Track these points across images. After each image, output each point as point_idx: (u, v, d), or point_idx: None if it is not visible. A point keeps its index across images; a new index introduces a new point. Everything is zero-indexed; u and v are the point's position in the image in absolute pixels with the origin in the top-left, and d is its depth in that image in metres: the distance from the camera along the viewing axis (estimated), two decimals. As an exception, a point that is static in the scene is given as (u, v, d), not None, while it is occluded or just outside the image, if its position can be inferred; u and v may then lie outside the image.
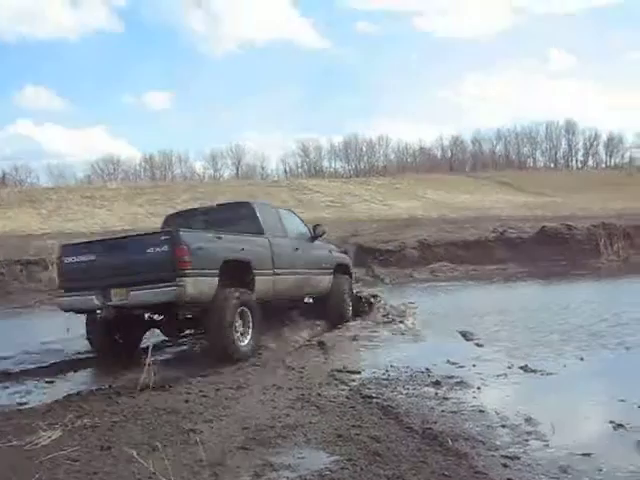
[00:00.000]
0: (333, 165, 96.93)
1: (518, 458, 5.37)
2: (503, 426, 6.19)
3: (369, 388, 7.63)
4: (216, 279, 9.27)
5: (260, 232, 10.83)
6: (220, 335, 9.25)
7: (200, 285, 9.05)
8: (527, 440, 5.81)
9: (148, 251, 8.96)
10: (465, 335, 11.17)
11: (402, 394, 7.39)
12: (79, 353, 10.53)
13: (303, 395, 7.31)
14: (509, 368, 8.53)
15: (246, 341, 9.65)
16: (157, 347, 10.73)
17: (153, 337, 11.18)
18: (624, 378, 8.11)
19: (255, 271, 10.16)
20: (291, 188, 51.78)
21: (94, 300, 9.31)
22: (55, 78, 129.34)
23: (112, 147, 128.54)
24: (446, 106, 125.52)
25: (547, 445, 5.69)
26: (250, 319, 9.77)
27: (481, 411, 6.66)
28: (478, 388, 7.62)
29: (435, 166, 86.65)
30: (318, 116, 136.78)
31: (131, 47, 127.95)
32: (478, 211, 40.31)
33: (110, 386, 7.86)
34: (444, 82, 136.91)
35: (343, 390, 7.58)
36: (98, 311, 9.46)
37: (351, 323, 12.71)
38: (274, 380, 8.14)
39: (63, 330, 12.59)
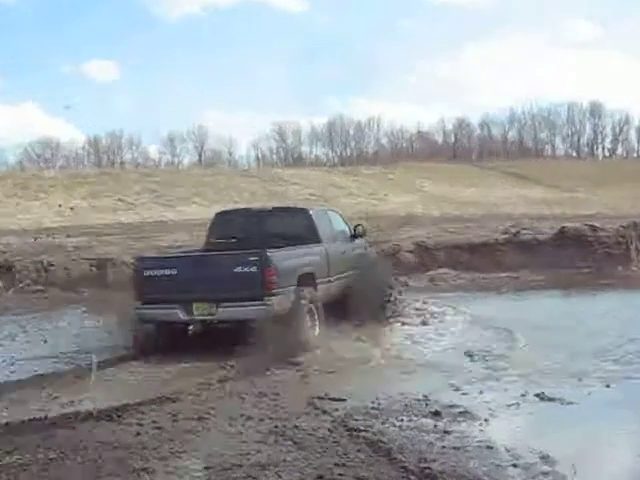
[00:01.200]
0: (314, 152, 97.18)
1: (532, 504, 5.40)
2: (514, 465, 6.21)
3: (356, 419, 7.64)
4: (293, 294, 11.68)
5: (317, 241, 13.28)
6: (297, 330, 11.43)
7: (283, 302, 11.43)
8: (543, 482, 5.85)
9: (236, 270, 11.26)
10: (471, 356, 11.20)
11: (395, 426, 7.40)
12: (7, 376, 10.45)
13: (277, 427, 7.30)
14: (522, 396, 8.56)
15: (316, 332, 12.05)
16: (105, 364, 10.73)
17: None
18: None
19: (317, 280, 12.59)
20: (263, 179, 51.73)
21: (178, 313, 11.52)
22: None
23: (50, 127, 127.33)
24: (448, 82, 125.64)
25: (567, 488, 5.72)
26: (316, 314, 12.18)
27: (489, 447, 6.69)
28: (485, 420, 7.64)
29: (436, 153, 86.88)
30: (297, 93, 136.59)
31: (69, 9, 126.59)
32: (486, 208, 40.48)
33: (46, 416, 7.81)
34: (445, 54, 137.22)
35: (325, 421, 7.58)
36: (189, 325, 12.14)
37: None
38: (242, 409, 8.13)
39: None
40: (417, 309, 15.82)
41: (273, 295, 11.22)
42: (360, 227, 15.22)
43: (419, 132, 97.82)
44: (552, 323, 14.57)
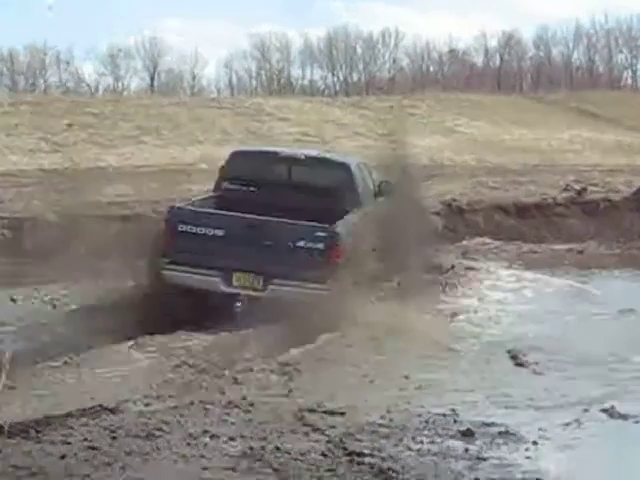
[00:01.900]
0: (308, 75, 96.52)
1: None
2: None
3: (359, 439, 7.66)
4: (349, 274, 12.82)
5: (358, 204, 14.75)
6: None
7: (343, 284, 12.59)
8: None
9: (298, 244, 12.84)
10: (515, 357, 11.25)
11: (411, 450, 7.43)
12: None
13: (252, 449, 7.30)
14: (585, 411, 8.60)
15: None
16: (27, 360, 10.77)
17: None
18: None
19: (362, 255, 13.74)
20: (239, 111, 51.39)
21: (218, 283, 13.00)
22: None
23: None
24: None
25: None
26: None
27: (538, 480, 6.73)
28: (534, 443, 7.68)
29: (474, 81, 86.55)
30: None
31: None
32: (541, 155, 40.33)
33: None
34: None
35: (317, 442, 7.60)
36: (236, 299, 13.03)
37: None
38: (206, 424, 8.14)
39: None
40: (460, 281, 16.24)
41: (337, 279, 12.56)
42: (385, 184, 16.58)
43: (452, 51, 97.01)
44: (628, 311, 14.61)
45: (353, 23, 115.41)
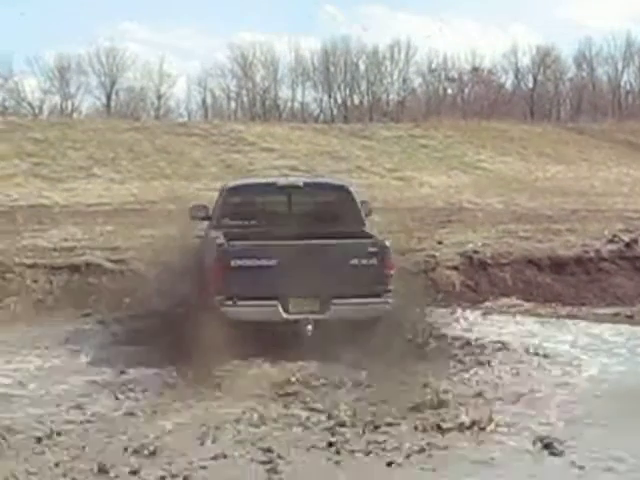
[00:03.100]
0: (299, 97, 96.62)
1: None
2: None
3: None
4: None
5: (363, 225, 17.95)
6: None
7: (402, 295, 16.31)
8: None
9: (352, 262, 15.73)
10: (548, 445, 11.22)
11: None
12: None
13: None
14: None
15: None
16: None
17: None
18: None
19: None
20: (213, 140, 51.45)
21: (279, 312, 15.59)
22: None
23: None
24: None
25: None
26: None
27: None
28: None
29: (501, 106, 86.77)
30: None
31: None
32: (583, 198, 40.44)
33: None
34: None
35: None
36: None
37: None
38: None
39: None
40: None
41: (390, 291, 15.80)
42: (364, 205, 19.17)
43: (475, 69, 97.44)
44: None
45: (355, 34, 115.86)
